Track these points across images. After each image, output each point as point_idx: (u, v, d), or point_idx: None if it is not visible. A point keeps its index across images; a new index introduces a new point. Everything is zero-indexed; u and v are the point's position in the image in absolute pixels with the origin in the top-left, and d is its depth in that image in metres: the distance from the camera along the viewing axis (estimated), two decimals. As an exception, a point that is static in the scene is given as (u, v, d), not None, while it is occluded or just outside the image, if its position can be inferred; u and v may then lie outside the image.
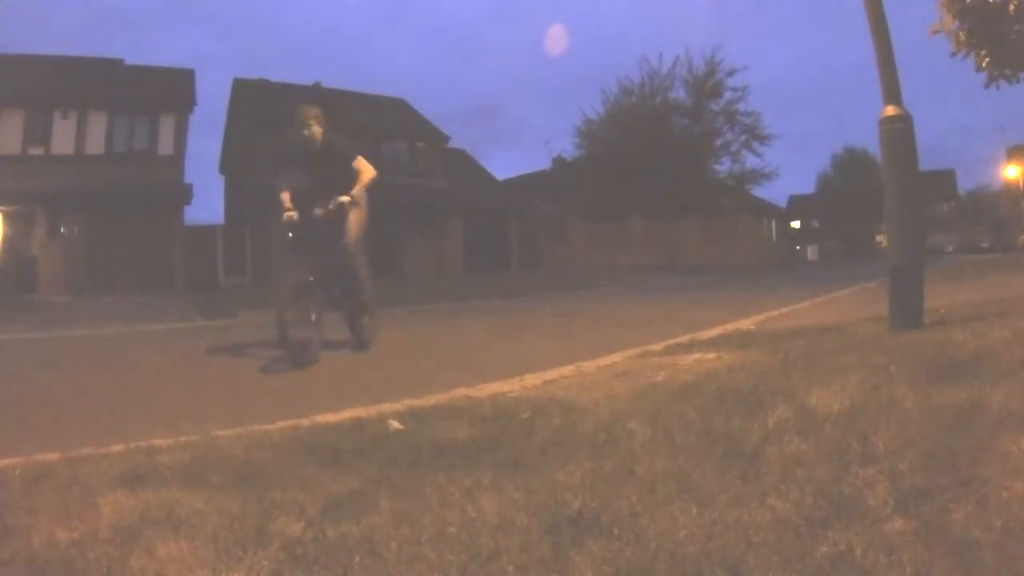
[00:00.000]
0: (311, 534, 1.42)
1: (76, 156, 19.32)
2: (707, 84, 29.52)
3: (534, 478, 1.71)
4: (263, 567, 1.29)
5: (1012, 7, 7.67)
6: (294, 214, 4.60)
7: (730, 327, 5.34)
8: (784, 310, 6.91)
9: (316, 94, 25.97)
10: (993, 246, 47.36)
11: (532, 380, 3.39)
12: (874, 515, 1.35)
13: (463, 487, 1.67)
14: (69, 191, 18.18)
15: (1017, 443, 1.63)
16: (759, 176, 30.29)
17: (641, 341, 4.57)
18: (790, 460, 1.70)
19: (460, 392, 3.13)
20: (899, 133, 3.90)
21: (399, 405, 2.84)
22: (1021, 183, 43.96)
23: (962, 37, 8.06)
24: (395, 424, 2.40)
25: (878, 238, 48.95)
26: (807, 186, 60.83)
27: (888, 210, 3.97)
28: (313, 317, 4.44)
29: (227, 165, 27.49)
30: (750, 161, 30.29)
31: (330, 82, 27.57)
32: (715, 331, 5.07)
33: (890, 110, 3.92)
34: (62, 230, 18.92)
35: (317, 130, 4.80)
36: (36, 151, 18.92)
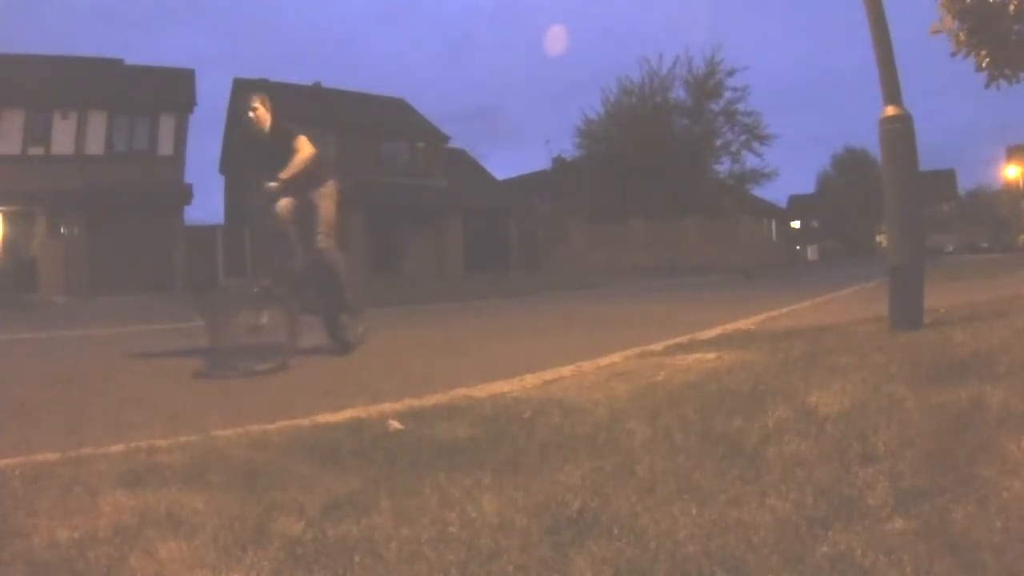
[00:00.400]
0: (311, 534, 1.42)
1: (76, 156, 19.33)
2: (707, 84, 29.52)
3: (534, 478, 1.71)
4: (263, 567, 1.29)
5: (1012, 7, 7.67)
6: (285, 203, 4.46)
7: (730, 327, 5.34)
8: (784, 310, 6.91)
9: (316, 94, 26.03)
10: (993, 246, 47.42)
11: (532, 380, 3.38)
12: (874, 515, 1.35)
13: (463, 487, 1.67)
14: (69, 191, 18.19)
15: (1017, 443, 1.63)
16: (759, 176, 30.31)
17: (641, 341, 4.57)
18: (790, 460, 1.70)
19: (460, 392, 3.13)
20: (899, 133, 3.90)
21: (399, 405, 2.84)
22: (1021, 183, 43.97)
23: (962, 37, 8.06)
24: (395, 424, 2.40)
25: (878, 238, 48.99)
26: (807, 186, 60.97)
27: (888, 210, 3.97)
28: (264, 321, 4.24)
29: (227, 165, 27.50)
30: (750, 161, 30.32)
31: (330, 82, 27.64)
32: (715, 331, 5.07)
33: (890, 110, 3.92)
34: (62, 230, 18.93)
35: (263, 114, 4.61)
36: (36, 151, 18.94)
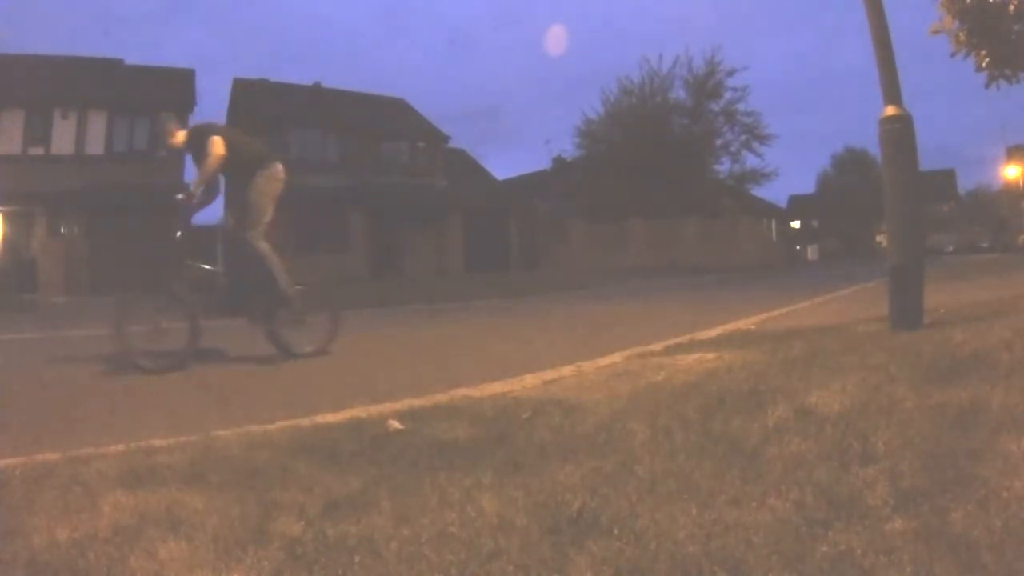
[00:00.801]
0: (311, 534, 1.42)
1: (76, 156, 19.34)
2: (707, 84, 29.55)
3: (534, 478, 1.71)
4: (263, 567, 1.29)
5: (1012, 7, 7.66)
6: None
7: (730, 327, 5.34)
8: (784, 310, 6.91)
9: (316, 94, 26.03)
10: (993, 246, 47.39)
11: (532, 380, 3.39)
12: (874, 515, 1.35)
13: (463, 487, 1.67)
14: (69, 191, 18.19)
15: (1017, 443, 1.63)
16: (759, 176, 30.35)
17: (641, 341, 4.57)
18: (790, 460, 1.70)
19: (460, 392, 3.13)
20: (899, 133, 3.90)
21: (399, 405, 2.84)
22: (1021, 183, 43.96)
23: (962, 37, 8.05)
24: (395, 424, 2.40)
25: (878, 238, 48.98)
26: (807, 186, 60.94)
27: (888, 210, 3.97)
28: (164, 325, 4.31)
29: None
30: (750, 161, 30.38)
31: (330, 82, 27.67)
32: (715, 331, 5.07)
33: (890, 110, 3.92)
34: (62, 230, 18.93)
35: (176, 133, 4.72)
36: (36, 151, 18.95)
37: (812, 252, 51.02)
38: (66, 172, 18.61)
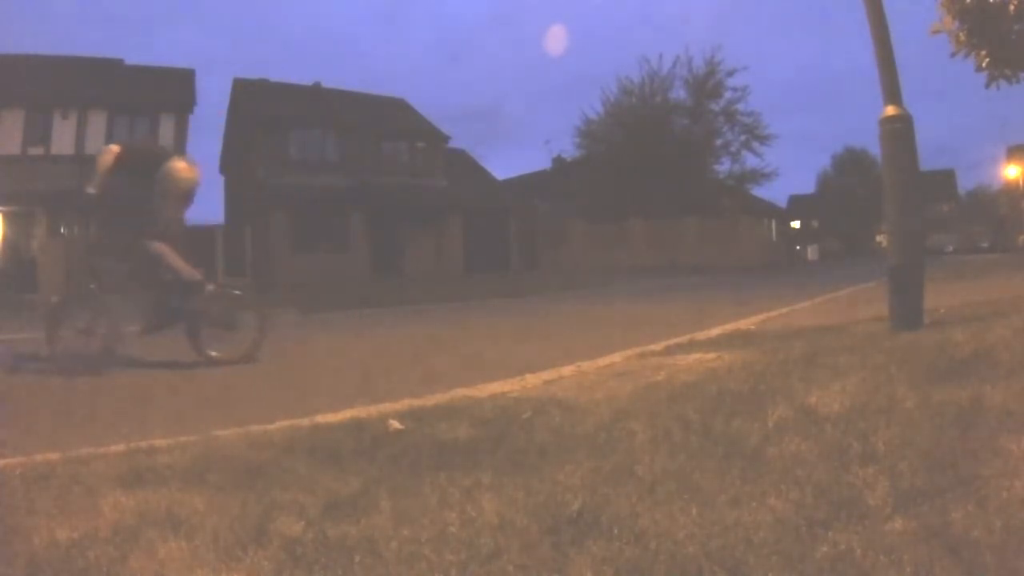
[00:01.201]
0: (311, 534, 1.42)
1: (76, 156, 19.30)
2: (707, 84, 29.54)
3: (534, 478, 1.71)
4: (263, 567, 1.29)
5: (1012, 7, 7.66)
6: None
7: (730, 327, 5.34)
8: (784, 310, 6.91)
9: (316, 94, 26.02)
10: (993, 246, 47.39)
11: (532, 380, 3.39)
12: (874, 515, 1.35)
13: (463, 487, 1.67)
14: (69, 191, 18.16)
15: (1017, 443, 1.63)
16: (759, 176, 30.33)
17: (641, 341, 4.57)
18: (790, 460, 1.70)
19: (460, 392, 3.13)
20: (899, 133, 3.90)
21: (399, 405, 2.85)
22: (1021, 183, 43.93)
23: (962, 37, 8.05)
24: (395, 424, 2.40)
25: (878, 238, 48.96)
26: (807, 186, 60.99)
27: (888, 210, 3.97)
28: (82, 327, 4.36)
29: (227, 165, 27.51)
30: (750, 161, 30.36)
31: (330, 82, 27.61)
32: (715, 331, 5.07)
33: (890, 110, 3.92)
34: (62, 230, 18.92)
35: (102, 171, 4.57)
36: (36, 151, 18.93)
37: (812, 252, 50.99)
38: (66, 172, 18.57)
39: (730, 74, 29.21)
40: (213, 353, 4.46)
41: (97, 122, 19.67)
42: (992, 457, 1.59)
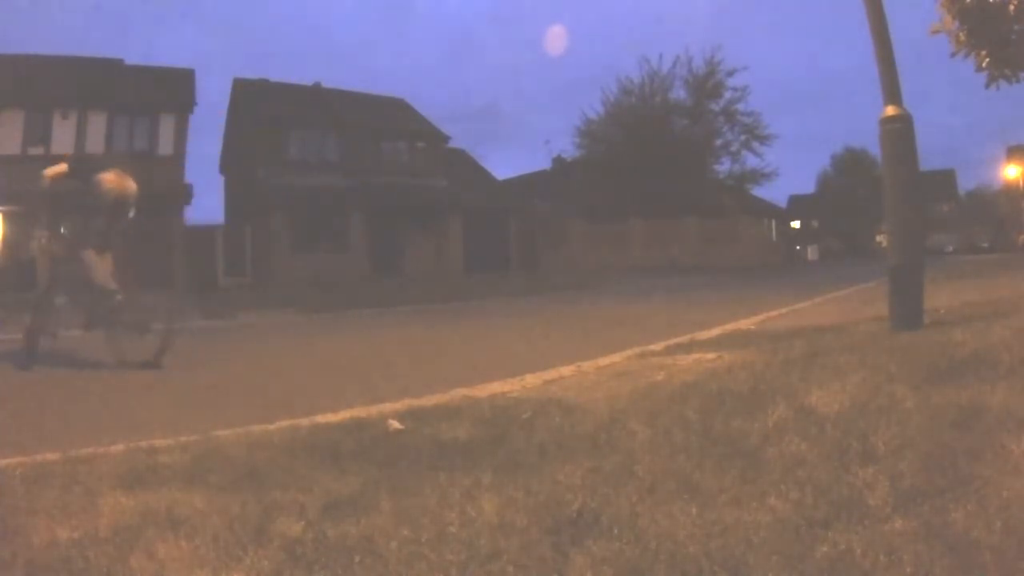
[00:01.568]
0: (311, 534, 1.42)
1: (76, 156, 19.29)
2: (707, 84, 29.56)
3: (534, 478, 1.71)
4: (263, 567, 1.29)
5: (1012, 7, 7.65)
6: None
7: (730, 327, 5.34)
8: (784, 310, 6.92)
9: (316, 94, 26.02)
10: (993, 246, 47.41)
11: (532, 380, 3.39)
12: (874, 515, 1.35)
13: (463, 487, 1.67)
14: (69, 191, 18.15)
15: (1017, 443, 1.63)
16: (759, 176, 30.38)
17: (641, 341, 4.58)
18: (790, 460, 1.70)
19: (460, 392, 3.13)
20: (899, 133, 3.90)
21: (399, 405, 2.85)
22: (1021, 183, 43.93)
23: (962, 37, 8.04)
24: (395, 424, 2.40)
25: (878, 238, 48.96)
26: (807, 186, 60.96)
27: (888, 210, 3.97)
28: (27, 324, 4.65)
29: (227, 165, 27.51)
30: (750, 161, 30.41)
31: (330, 82, 27.61)
32: (715, 331, 5.07)
33: (890, 110, 3.92)
34: (62, 230, 18.90)
35: (50, 176, 4.93)
36: (36, 151, 18.90)
37: (812, 252, 51.03)
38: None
39: (730, 74, 29.28)
40: (126, 357, 4.63)
41: (97, 122, 19.66)
42: (992, 457, 1.59)
